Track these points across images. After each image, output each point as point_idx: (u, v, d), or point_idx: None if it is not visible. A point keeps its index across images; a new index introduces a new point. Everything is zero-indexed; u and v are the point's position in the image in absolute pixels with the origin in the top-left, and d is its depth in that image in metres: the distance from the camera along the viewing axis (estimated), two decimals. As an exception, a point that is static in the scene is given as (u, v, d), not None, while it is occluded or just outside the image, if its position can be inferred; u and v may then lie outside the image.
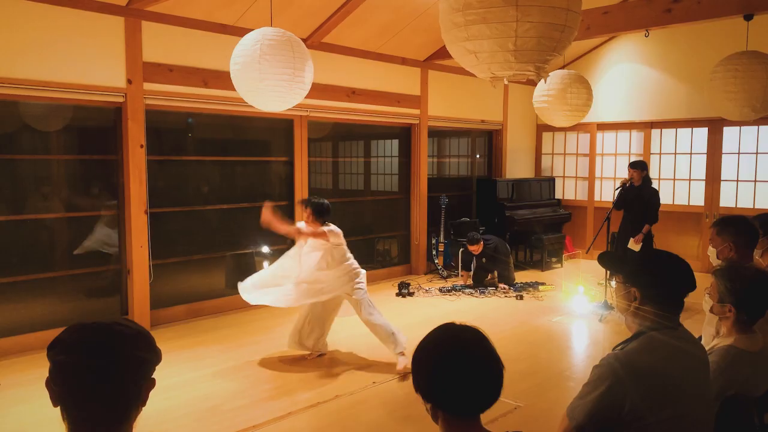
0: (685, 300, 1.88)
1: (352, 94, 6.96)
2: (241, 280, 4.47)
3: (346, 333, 5.48)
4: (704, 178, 8.23)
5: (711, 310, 2.32)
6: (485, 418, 1.42)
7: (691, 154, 8.37)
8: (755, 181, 7.85)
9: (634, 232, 6.26)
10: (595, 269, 7.70)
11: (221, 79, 5.55)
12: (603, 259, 2.11)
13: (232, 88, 4.27)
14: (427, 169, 8.04)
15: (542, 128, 9.78)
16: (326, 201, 4.53)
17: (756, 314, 2.22)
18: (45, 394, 1.22)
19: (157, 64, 5.35)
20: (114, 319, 1.29)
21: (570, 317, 6.04)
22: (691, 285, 1.85)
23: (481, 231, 7.78)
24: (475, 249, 7.02)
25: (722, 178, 8.10)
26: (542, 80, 3.07)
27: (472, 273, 7.49)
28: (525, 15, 2.68)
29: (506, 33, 2.72)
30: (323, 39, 6.44)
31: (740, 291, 2.19)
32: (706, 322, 2.93)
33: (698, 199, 8.28)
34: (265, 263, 6.41)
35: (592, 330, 5.68)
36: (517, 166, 9.51)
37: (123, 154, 5.28)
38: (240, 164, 6.49)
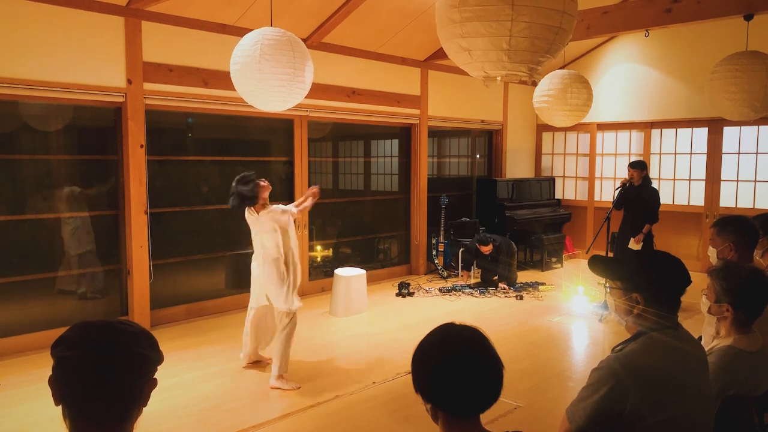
0: (682, 300, 1.88)
1: (352, 94, 6.96)
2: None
3: (346, 333, 5.48)
4: (704, 178, 8.23)
5: (709, 311, 2.32)
6: (485, 418, 1.42)
7: (691, 154, 8.37)
8: (755, 181, 7.85)
9: (635, 232, 6.26)
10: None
11: (221, 79, 5.56)
12: (595, 265, 1.98)
13: (232, 88, 4.26)
14: (427, 169, 8.04)
15: (542, 128, 9.79)
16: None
17: (754, 313, 2.22)
18: (45, 395, 1.22)
19: (157, 64, 5.35)
20: (117, 318, 1.30)
21: (570, 317, 6.04)
22: (687, 280, 1.85)
23: (481, 230, 7.79)
24: (486, 250, 7.02)
25: (722, 178, 8.10)
26: (534, 82, 3.07)
27: (472, 273, 7.50)
28: (520, 14, 2.68)
29: (501, 31, 2.72)
30: (323, 39, 6.44)
31: (736, 290, 2.19)
32: (706, 323, 2.93)
33: (698, 199, 8.28)
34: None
35: (592, 330, 5.68)
36: (517, 166, 9.51)
37: (123, 154, 5.28)
38: (240, 164, 6.48)
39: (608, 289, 1.98)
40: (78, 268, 5.26)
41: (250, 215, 4.26)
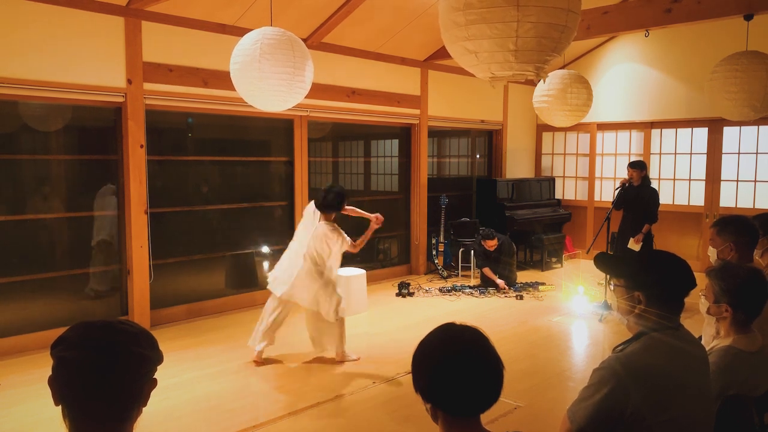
0: (685, 300, 1.87)
1: (352, 94, 6.96)
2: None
3: (346, 332, 5.47)
4: (704, 178, 8.23)
5: (708, 312, 2.31)
6: (485, 418, 1.42)
7: (691, 154, 8.37)
8: (755, 181, 7.85)
9: (634, 232, 6.26)
10: (595, 269, 7.71)
11: (221, 79, 5.55)
12: (600, 262, 2.02)
13: (232, 88, 4.27)
14: (427, 169, 8.04)
15: (542, 128, 9.78)
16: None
17: (753, 313, 2.21)
18: (45, 395, 1.22)
19: (157, 64, 5.35)
20: (117, 318, 1.30)
21: (570, 317, 6.04)
22: (692, 283, 1.85)
23: (482, 230, 7.77)
24: (492, 244, 7.01)
25: (722, 178, 8.10)
26: (541, 80, 3.07)
27: (473, 271, 7.49)
28: (526, 15, 2.68)
29: (507, 33, 2.72)
30: (323, 39, 6.44)
31: (735, 290, 2.18)
32: (706, 323, 2.93)
33: (698, 199, 8.28)
34: (266, 263, 6.42)
35: (592, 330, 5.68)
36: (517, 166, 9.51)
37: (123, 154, 5.28)
38: (240, 164, 6.49)
39: (612, 287, 1.98)
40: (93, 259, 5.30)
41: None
